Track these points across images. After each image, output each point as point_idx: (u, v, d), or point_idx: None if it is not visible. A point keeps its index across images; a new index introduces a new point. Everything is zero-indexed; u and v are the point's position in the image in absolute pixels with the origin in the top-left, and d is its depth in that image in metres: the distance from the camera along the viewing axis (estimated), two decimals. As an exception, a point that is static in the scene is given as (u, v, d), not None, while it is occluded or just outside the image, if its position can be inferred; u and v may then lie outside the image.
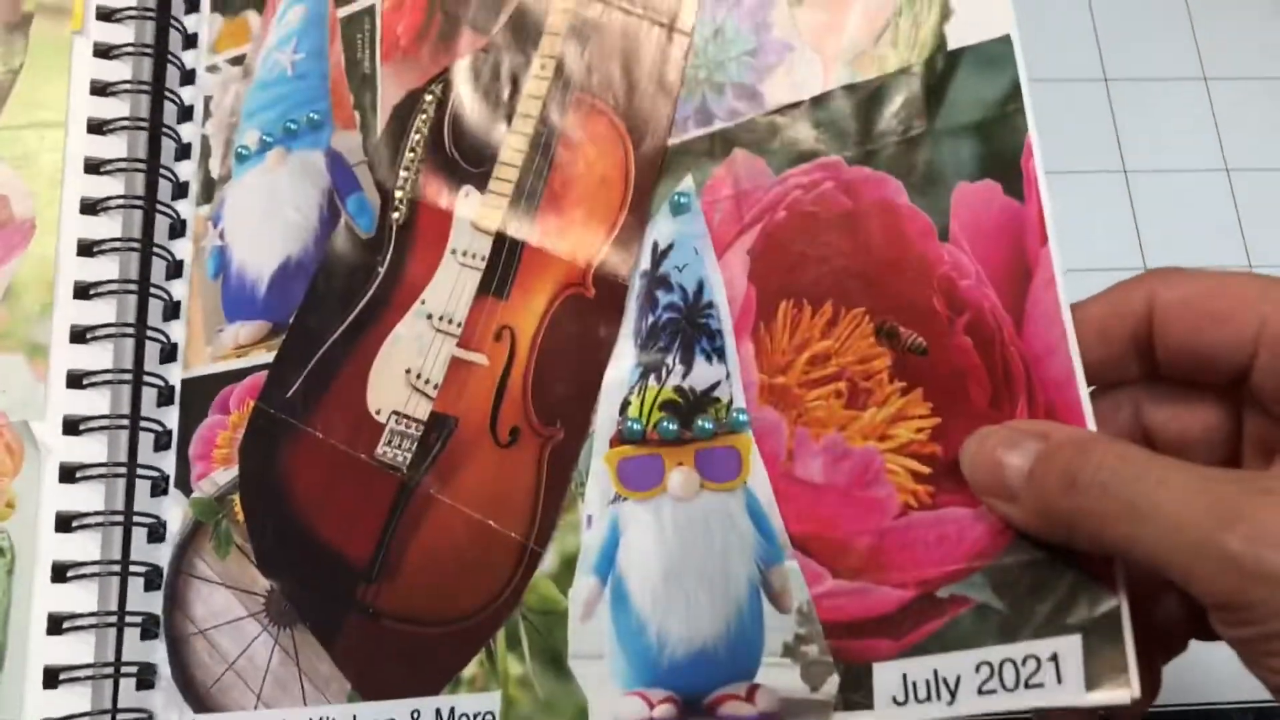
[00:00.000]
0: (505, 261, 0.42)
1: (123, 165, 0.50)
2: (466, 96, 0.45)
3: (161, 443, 0.47)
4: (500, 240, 0.42)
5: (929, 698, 0.33)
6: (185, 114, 0.51)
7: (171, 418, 0.47)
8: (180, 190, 0.50)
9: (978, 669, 0.32)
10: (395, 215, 0.45)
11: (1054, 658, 0.31)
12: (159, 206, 0.50)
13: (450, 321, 0.43)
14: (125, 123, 0.50)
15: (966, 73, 0.36)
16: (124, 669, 0.44)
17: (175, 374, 0.48)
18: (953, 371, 0.34)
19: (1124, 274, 0.33)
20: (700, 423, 0.37)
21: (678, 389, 0.38)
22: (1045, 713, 0.34)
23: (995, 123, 0.35)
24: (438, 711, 0.39)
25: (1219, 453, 0.32)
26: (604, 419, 0.39)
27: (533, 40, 0.44)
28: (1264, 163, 0.59)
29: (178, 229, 0.50)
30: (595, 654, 0.37)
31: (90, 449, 0.46)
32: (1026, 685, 0.31)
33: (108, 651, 0.44)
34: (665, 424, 0.38)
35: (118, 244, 0.49)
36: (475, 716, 0.39)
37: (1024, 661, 0.32)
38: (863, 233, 0.36)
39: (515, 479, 0.40)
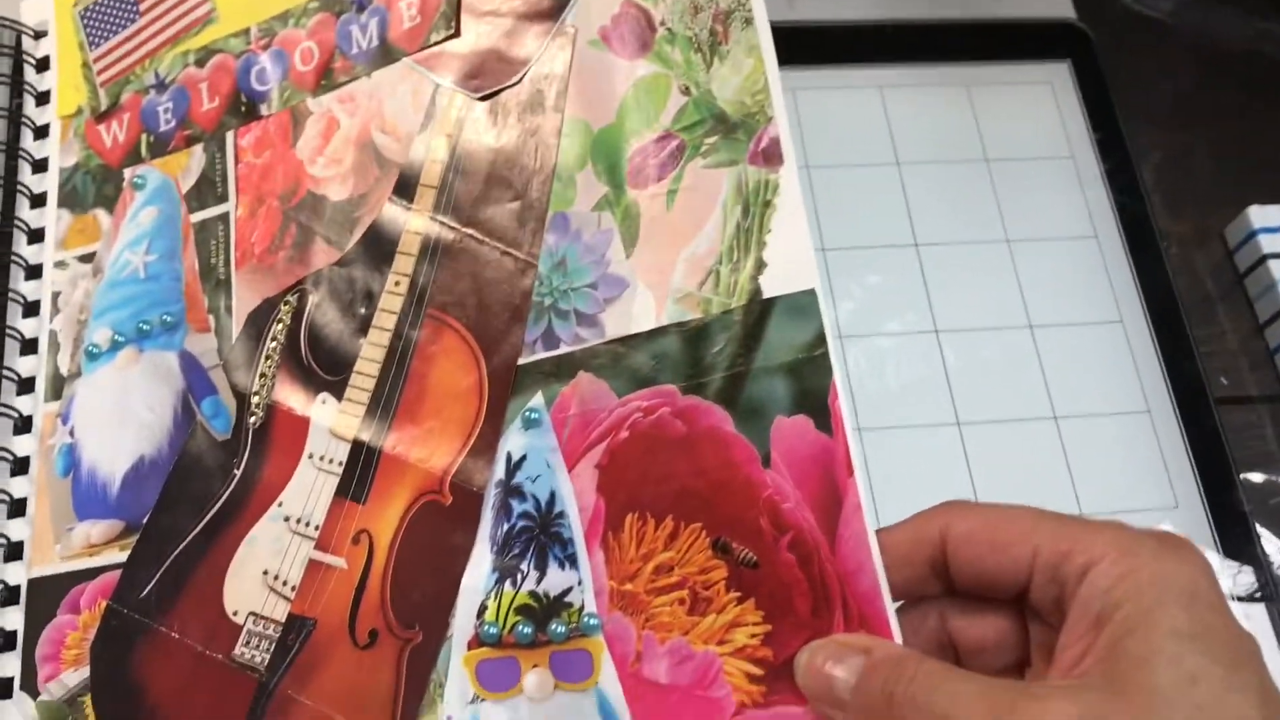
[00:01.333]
0: (363, 467, 0.45)
1: (-37, 361, 0.50)
2: (322, 307, 0.47)
3: (3, 645, 0.47)
4: (358, 447, 0.45)
5: None
6: (30, 309, 0.52)
7: (13, 619, 0.48)
8: (25, 386, 0.51)
9: None
10: (252, 419, 0.47)
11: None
12: (1, 406, 0.50)
13: (308, 524, 0.45)
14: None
15: (779, 319, 0.41)
16: None
17: (18, 574, 0.48)
18: (779, 583, 0.39)
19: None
20: (554, 626, 0.41)
21: (532, 594, 0.42)
22: None
23: (805, 364, 0.40)
24: None
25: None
26: (461, 622, 0.42)
27: (386, 258, 0.47)
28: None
29: (20, 426, 0.50)
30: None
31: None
32: None
33: None
34: (521, 628, 0.41)
35: (-41, 442, 0.49)
36: None
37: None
38: (697, 456, 0.41)
39: (374, 679, 0.43)
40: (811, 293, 0.41)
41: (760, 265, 0.42)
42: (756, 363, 0.41)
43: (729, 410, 0.41)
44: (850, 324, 0.63)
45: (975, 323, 0.66)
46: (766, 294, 0.42)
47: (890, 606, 0.37)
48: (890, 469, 0.58)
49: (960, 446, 0.62)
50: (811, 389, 0.40)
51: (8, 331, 0.51)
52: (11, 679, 0.47)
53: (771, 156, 0.43)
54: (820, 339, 0.40)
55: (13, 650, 0.47)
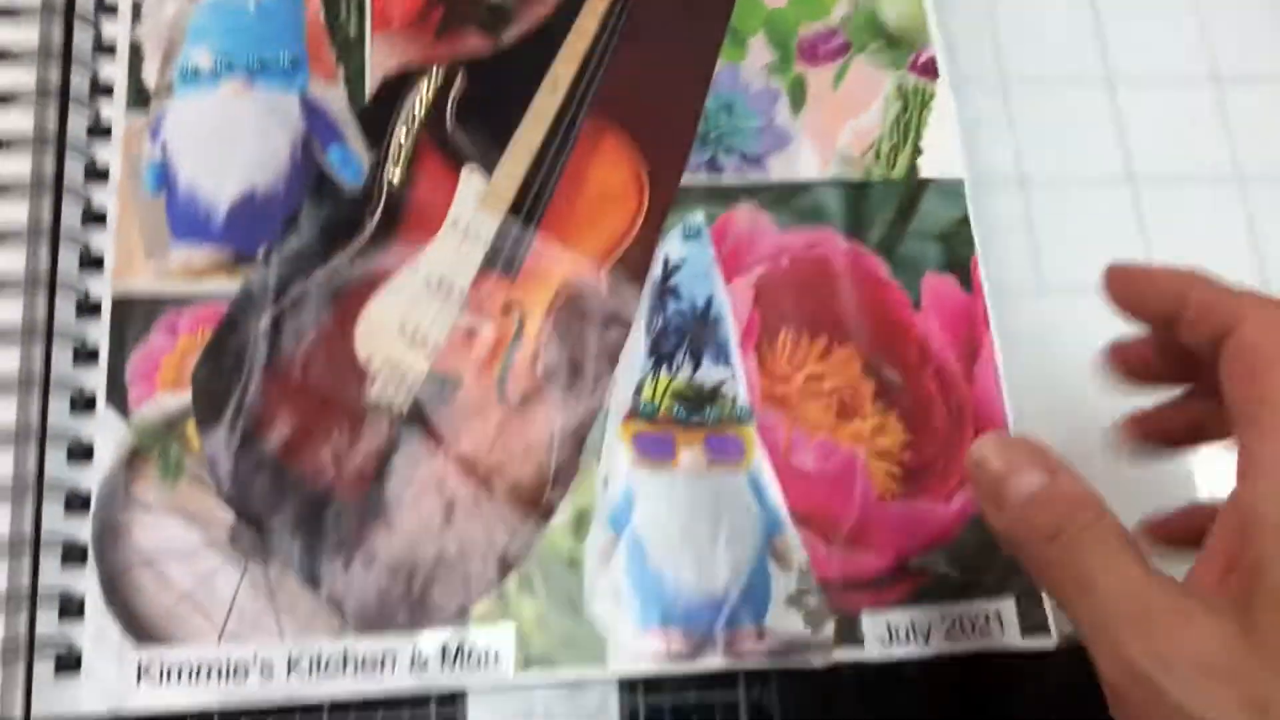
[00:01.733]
0: (513, 244, 0.46)
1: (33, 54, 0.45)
2: (477, 89, 0.48)
3: (84, 357, 0.42)
4: (507, 224, 0.46)
5: (908, 640, 0.43)
6: (107, 8, 0.48)
7: (94, 332, 0.43)
8: (99, 89, 0.46)
9: (943, 620, 0.43)
10: (389, 176, 0.46)
11: (997, 614, 0.43)
12: (77, 101, 0.45)
13: (451, 288, 0.45)
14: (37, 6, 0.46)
15: (932, 197, 0.49)
16: (47, 592, 0.39)
17: (100, 286, 0.44)
18: (921, 404, 0.46)
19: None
20: (709, 412, 0.45)
21: (687, 382, 0.45)
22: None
23: (953, 236, 0.48)
24: (444, 648, 0.41)
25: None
26: (619, 398, 0.45)
27: (552, 49, 0.49)
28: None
29: (98, 130, 0.46)
30: (612, 597, 0.42)
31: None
32: (979, 633, 0.43)
33: (22, 577, 0.39)
34: (677, 410, 0.45)
35: (28, 138, 0.44)
36: (487, 650, 0.41)
37: (976, 616, 0.43)
38: (853, 291, 0.47)
39: (525, 441, 0.44)
40: (960, 181, 0.49)
41: (917, 151, 0.49)
42: (911, 227, 0.48)
43: (885, 259, 0.48)
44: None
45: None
46: (922, 175, 0.49)
47: (1010, 422, 0.46)
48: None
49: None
50: (958, 256, 0.48)
51: (82, 21, 0.46)
52: (93, 393, 0.42)
53: (928, 70, 0.51)
54: (965, 220, 0.48)
55: (94, 364, 0.42)
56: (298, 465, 0.42)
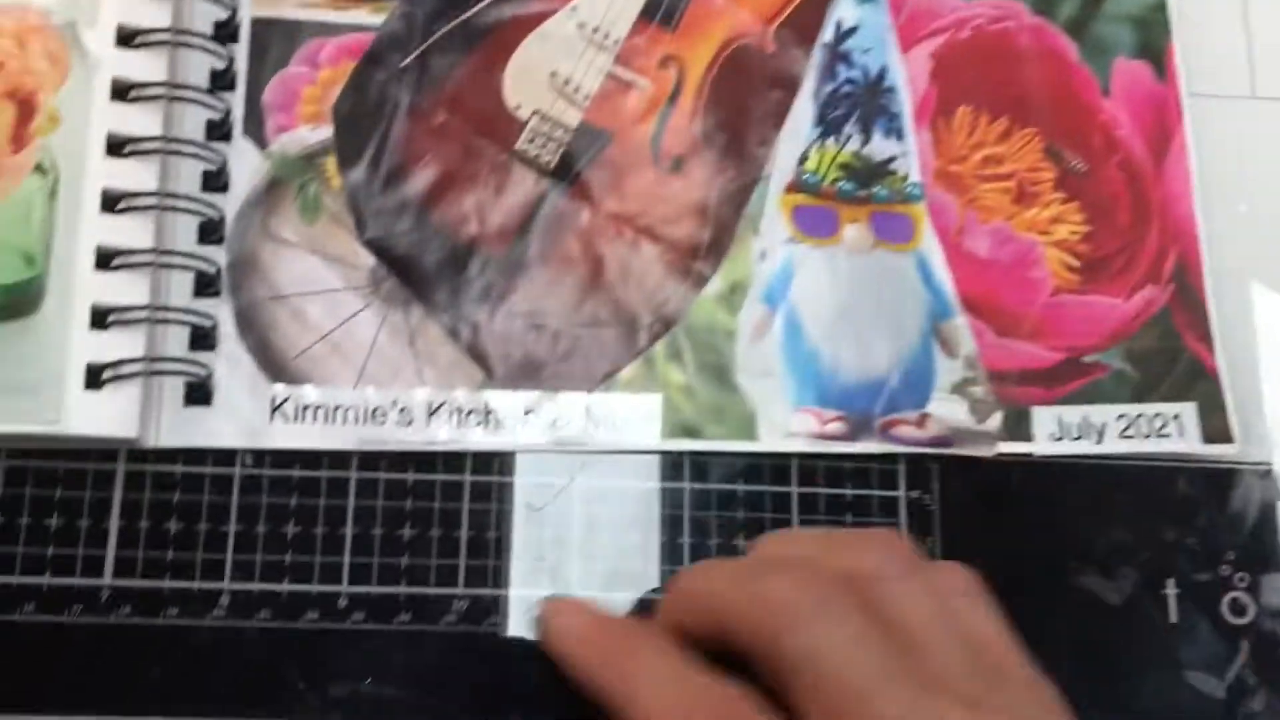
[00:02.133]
0: (674, -6, 0.43)
1: None
2: None
3: (223, 80, 0.40)
4: (668, -25, 0.43)
5: (1080, 437, 0.40)
6: None
7: (235, 53, 0.40)
8: None
9: (1119, 418, 0.40)
10: (543, -84, 0.43)
11: (1177, 417, 0.40)
12: None
13: (606, 36, 0.42)
14: None
15: (1128, -24, 0.44)
16: (179, 316, 0.37)
17: (242, 7, 0.41)
18: (1104, 194, 0.42)
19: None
20: (877, 188, 0.42)
21: (855, 154, 0.42)
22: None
23: (1148, 22, 0.44)
24: (588, 409, 0.39)
25: None
26: (780, 166, 0.42)
27: None
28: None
29: None
30: (764, 373, 0.40)
31: (149, 65, 0.38)
32: (1157, 434, 0.40)
33: (163, 296, 0.37)
34: (842, 183, 0.41)
35: None
36: (632, 414, 0.39)
37: (1154, 417, 0.40)
38: (1039, 71, 0.43)
39: (678, 204, 0.41)
40: (1156, -40, 0.45)
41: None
42: (1104, 9, 0.44)
43: (1075, 40, 0.43)
44: None
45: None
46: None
47: (1202, 232, 0.42)
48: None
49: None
50: (1153, 42, 0.44)
51: None
52: (228, 112, 0.40)
53: None
54: (1162, 6, 0.44)
55: (230, 89, 0.40)
56: (441, 212, 0.40)
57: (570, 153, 0.41)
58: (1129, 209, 0.42)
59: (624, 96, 0.42)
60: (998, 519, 0.40)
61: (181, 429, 0.37)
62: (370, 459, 0.38)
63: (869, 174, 0.42)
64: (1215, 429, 0.40)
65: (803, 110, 0.42)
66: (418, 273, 0.39)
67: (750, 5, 0.43)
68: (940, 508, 0.39)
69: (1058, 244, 0.42)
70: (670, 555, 0.38)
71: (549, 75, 0.41)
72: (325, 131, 0.40)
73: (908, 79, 0.43)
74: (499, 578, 0.38)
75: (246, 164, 0.39)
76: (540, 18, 0.42)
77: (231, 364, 0.38)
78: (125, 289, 0.36)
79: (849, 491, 0.39)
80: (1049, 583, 0.39)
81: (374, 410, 0.38)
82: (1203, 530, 0.40)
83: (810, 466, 0.39)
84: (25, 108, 0.36)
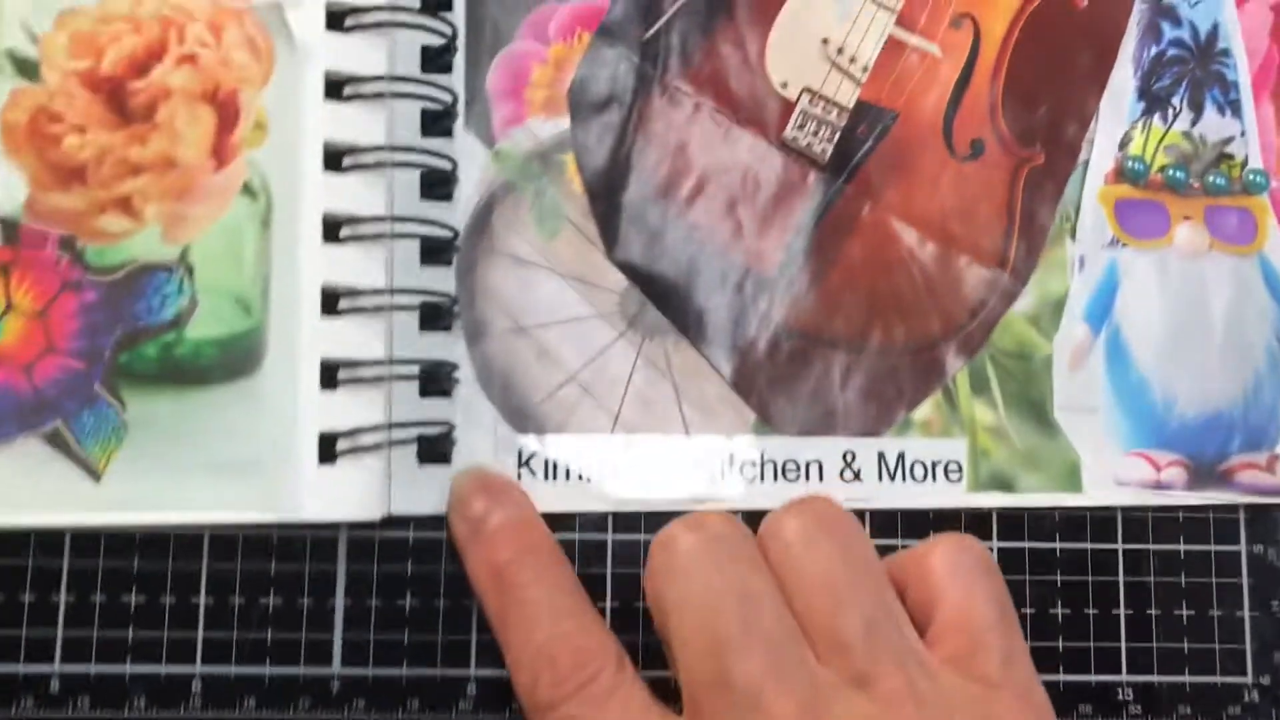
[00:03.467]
0: (960, -60, 0.35)
1: None
2: None
3: (439, 61, 0.33)
4: (953, -86, 0.35)
5: None
6: None
7: (454, 24, 0.33)
8: None
9: None
10: None
11: None
12: None
13: (884, -6, 0.35)
14: None
15: None
16: (409, 368, 0.31)
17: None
18: None
19: None
20: (1212, 177, 0.34)
21: (1185, 135, 0.35)
22: None
23: None
24: (881, 456, 0.33)
25: None
26: (1100, 150, 0.35)
27: None
28: None
29: None
30: (1088, 408, 0.33)
31: (364, 53, 0.31)
32: None
33: (394, 341, 0.31)
34: (1172, 171, 0.34)
35: None
36: (933, 465, 0.33)
37: None
38: None
39: (979, 200, 0.34)
40: None
41: None
42: None
43: None
44: None
45: None
46: None
47: None
48: None
49: None
50: None
51: None
52: (453, 102, 0.33)
53: None
54: None
55: (447, 71, 0.33)
56: (700, 219, 0.33)
57: (847, 139, 0.34)
58: None
59: (910, 66, 0.34)
60: None
61: (416, 492, 0.31)
62: (622, 519, 0.32)
63: (1202, 159, 0.35)
64: None
65: (1122, 80, 0.35)
66: (677, 295, 0.33)
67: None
68: (1288, 564, 0.34)
69: None
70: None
71: (820, 43, 0.34)
72: (561, 123, 0.33)
73: (1244, 38, 0.35)
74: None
75: (474, 166, 0.33)
76: (804, -28, 0.35)
77: (470, 413, 0.32)
78: (355, 337, 0.30)
79: (1182, 547, 0.33)
80: None
81: (634, 463, 0.32)
82: None
83: (1136, 518, 0.33)
84: (227, 111, 0.30)
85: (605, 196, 0.33)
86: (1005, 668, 0.26)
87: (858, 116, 0.34)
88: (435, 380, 0.31)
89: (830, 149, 0.34)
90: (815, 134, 0.34)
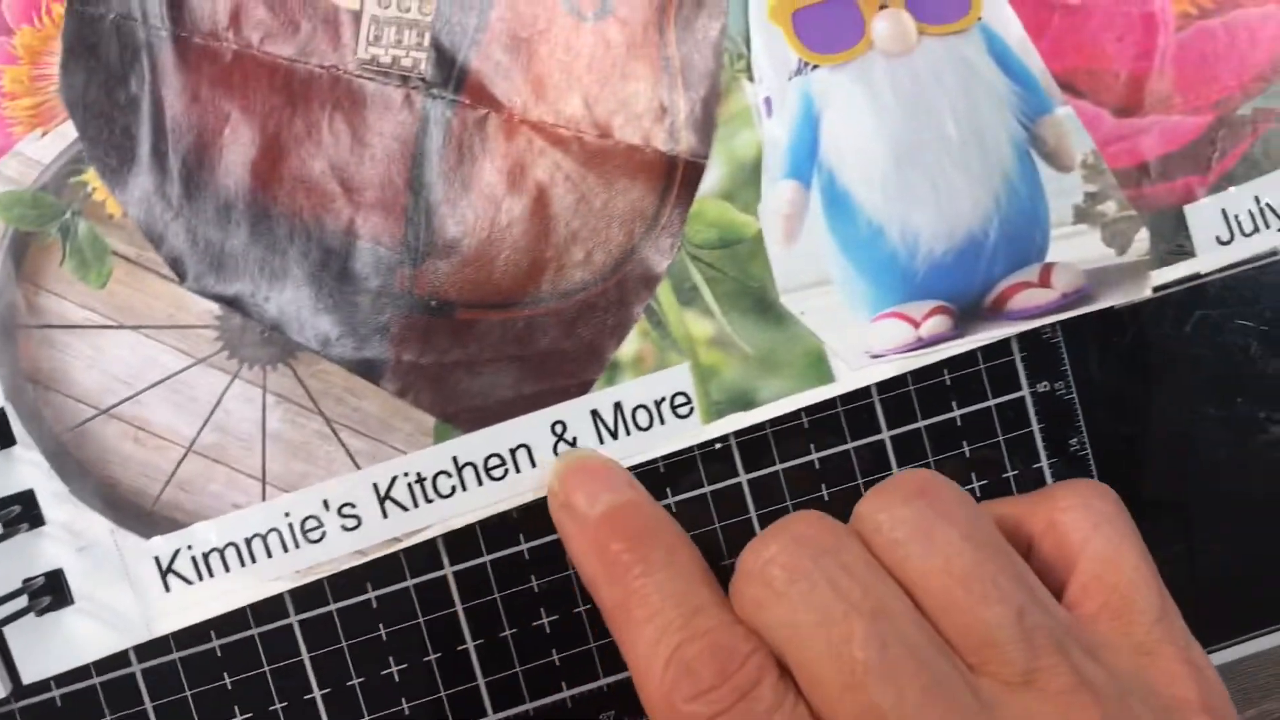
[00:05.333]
0: None
1: None
2: None
3: None
4: None
5: (1257, 228, 0.28)
6: None
7: None
8: None
9: (1305, 185, 0.29)
10: None
11: (1381, 156, 0.29)
12: None
13: None
14: None
15: None
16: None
17: None
18: None
19: None
20: (901, -55, 0.27)
21: (858, -98, 0.27)
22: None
23: None
24: (595, 414, 0.27)
25: None
26: (755, -44, 0.27)
27: None
28: None
29: None
30: (818, 280, 0.27)
31: None
32: (1361, 190, 0.29)
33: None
34: (851, -47, 0.27)
35: None
36: (657, 406, 0.27)
37: (1352, 165, 0.29)
38: None
39: (624, 65, 0.27)
40: None
41: None
42: None
43: None
44: None
45: None
46: None
47: None
48: None
49: None
50: None
51: None
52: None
53: None
54: None
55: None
56: (284, 198, 0.26)
57: (442, 40, 0.26)
58: None
59: (491, -82, 0.26)
60: (1159, 386, 0.29)
61: (48, 649, 0.25)
62: (314, 592, 0.27)
63: (884, -75, 0.27)
64: None
65: None
66: (287, 302, 0.26)
67: None
68: (1080, 395, 0.29)
69: (1173, -50, 0.28)
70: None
71: (367, -78, 0.26)
72: (65, 133, 0.25)
73: None
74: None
75: (-38, 229, 0.25)
76: None
77: (76, 535, 0.25)
78: None
79: (957, 414, 0.28)
80: (1239, 452, 0.29)
81: (300, 527, 0.26)
82: None
83: (897, 399, 0.28)
84: None
85: (154, 208, 0.25)
86: (1160, 625, 0.23)
87: (446, 6, 0.26)
88: (10, 520, 0.25)
89: (425, 57, 0.26)
90: (399, 42, 0.26)
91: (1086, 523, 0.24)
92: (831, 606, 0.22)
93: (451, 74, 0.26)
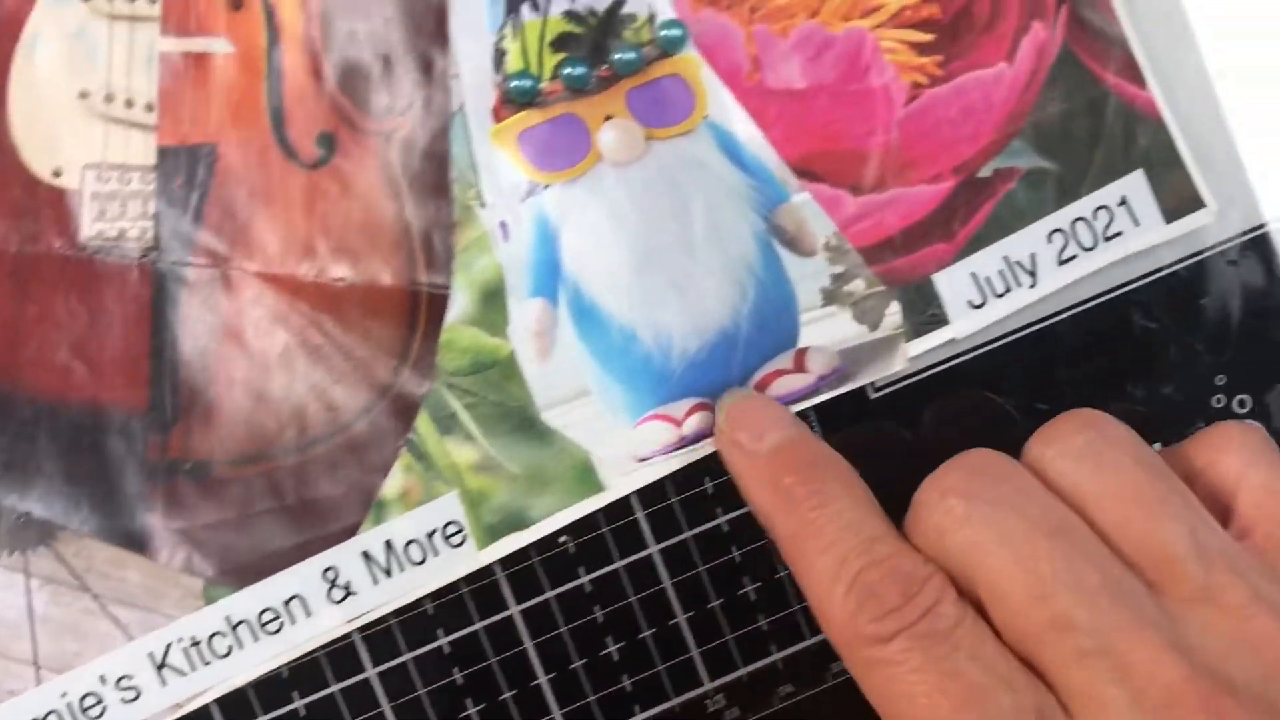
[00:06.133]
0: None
1: None
2: None
3: None
4: None
5: (1009, 288, 0.29)
6: None
7: None
8: None
9: (1050, 239, 0.29)
10: None
11: (1123, 201, 0.29)
12: None
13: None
14: None
15: None
16: None
17: None
18: (931, -86, 0.28)
19: None
20: (619, 54, 0.27)
21: (570, 15, 0.27)
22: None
23: None
24: (366, 555, 0.27)
25: None
26: (472, 83, 0.27)
27: None
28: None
29: None
30: (576, 393, 0.28)
31: None
32: (1106, 239, 0.29)
33: None
34: (569, 68, 0.27)
35: None
36: (429, 538, 0.27)
37: (1095, 215, 0.29)
38: None
39: (355, 204, 0.27)
40: None
41: None
42: None
43: None
44: None
45: None
46: None
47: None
48: None
49: None
50: None
51: None
52: None
53: None
54: None
55: None
56: (26, 382, 0.26)
57: (166, 206, 0.26)
58: (973, -77, 0.28)
59: (204, 78, 0.26)
60: (911, 461, 0.29)
61: None
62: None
63: (599, 35, 0.28)
64: (1177, 194, 0.29)
65: (466, -20, 0.27)
66: (39, 487, 0.26)
67: None
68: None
69: (894, 20, 0.28)
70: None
71: (78, 100, 0.26)
72: None
73: None
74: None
75: None
76: (19, 14, 0.26)
77: None
78: None
79: (723, 519, 0.29)
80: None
81: (83, 701, 0.26)
82: (1178, 365, 0.30)
83: (662, 511, 0.28)
84: None
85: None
86: None
87: (167, 170, 0.26)
88: None
89: (151, 225, 0.26)
90: (124, 214, 0.26)
91: (1241, 460, 0.24)
92: (1014, 526, 0.23)
93: (181, 238, 0.26)
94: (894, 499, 0.25)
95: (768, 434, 0.26)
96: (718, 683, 0.29)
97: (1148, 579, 0.22)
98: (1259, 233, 0.30)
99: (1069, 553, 0.22)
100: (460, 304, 0.27)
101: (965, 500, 0.23)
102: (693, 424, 0.28)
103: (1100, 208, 0.29)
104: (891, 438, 0.29)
